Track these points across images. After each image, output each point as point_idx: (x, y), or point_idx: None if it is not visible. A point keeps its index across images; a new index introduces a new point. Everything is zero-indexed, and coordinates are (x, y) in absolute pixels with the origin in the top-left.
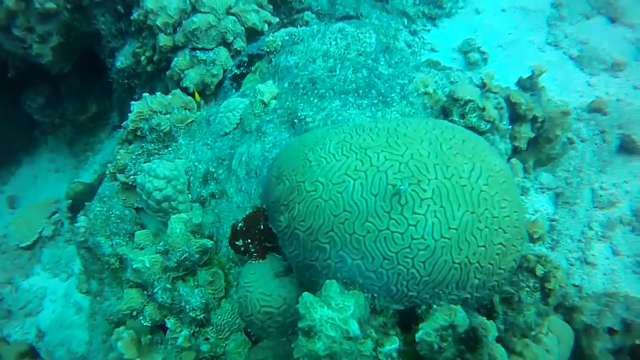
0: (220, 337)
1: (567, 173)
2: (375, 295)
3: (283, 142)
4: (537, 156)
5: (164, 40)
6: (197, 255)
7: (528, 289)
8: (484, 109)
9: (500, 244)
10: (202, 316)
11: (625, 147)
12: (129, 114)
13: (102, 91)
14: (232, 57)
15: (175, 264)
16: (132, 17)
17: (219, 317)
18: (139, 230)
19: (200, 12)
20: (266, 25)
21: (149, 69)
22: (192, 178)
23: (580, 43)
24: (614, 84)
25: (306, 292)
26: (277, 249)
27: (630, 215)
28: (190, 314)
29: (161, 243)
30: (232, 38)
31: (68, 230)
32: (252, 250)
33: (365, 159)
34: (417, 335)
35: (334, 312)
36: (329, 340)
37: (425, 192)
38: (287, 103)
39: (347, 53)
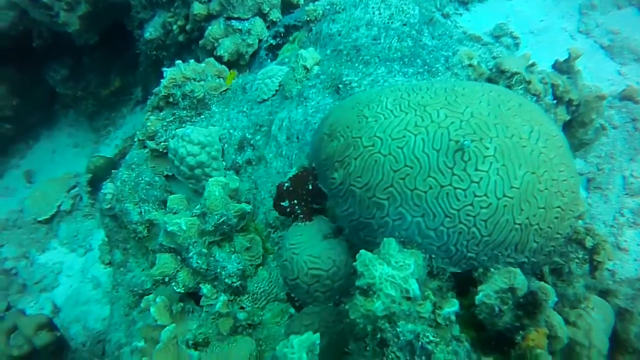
0: (257, 306)
1: (598, 159)
2: (433, 256)
3: (327, 106)
4: (570, 140)
5: (198, 8)
6: (235, 220)
7: (577, 261)
8: (530, 82)
9: (559, 207)
10: (238, 283)
11: None
12: (162, 80)
13: (126, 66)
14: (268, 27)
15: (213, 228)
16: None
17: (256, 285)
18: (166, 198)
19: None
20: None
21: (180, 38)
22: (226, 145)
23: (611, 33)
24: None
25: (364, 250)
26: (324, 211)
27: None
28: (226, 280)
29: (197, 206)
30: (268, 9)
31: (87, 205)
32: (299, 211)
33: (425, 115)
34: (477, 298)
35: (393, 270)
36: (388, 300)
37: (488, 150)
38: (331, 69)
39: (392, 22)
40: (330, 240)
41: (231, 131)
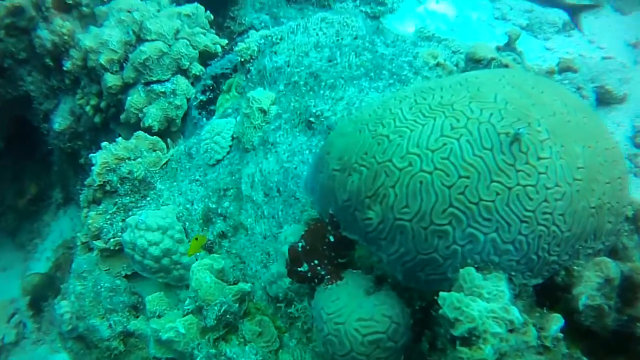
0: None
1: None
2: (513, 273)
3: (302, 146)
4: None
5: (111, 79)
6: (237, 305)
7: (626, 233)
8: (507, 65)
9: (620, 177)
10: None
11: (602, 99)
12: (92, 168)
13: (38, 167)
14: (192, 84)
15: (215, 322)
16: (64, 68)
17: None
18: (135, 302)
19: (147, 40)
20: (219, 47)
21: (96, 120)
22: (187, 224)
23: (526, 12)
24: (570, 43)
25: (443, 292)
26: (351, 264)
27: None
28: None
29: (187, 301)
30: (188, 63)
31: (33, 331)
32: (322, 272)
33: (458, 115)
34: (580, 303)
35: (490, 302)
36: (497, 340)
37: (541, 134)
38: (292, 104)
39: (342, 39)
40: (377, 295)
41: (188, 206)
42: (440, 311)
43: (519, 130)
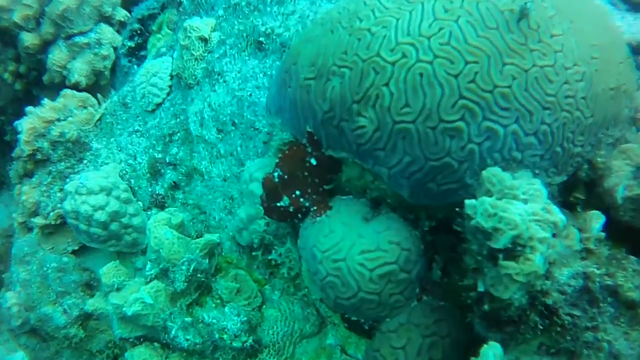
0: (285, 357)
1: None
2: (537, 171)
3: (254, 70)
4: None
5: (28, 38)
6: (206, 261)
7: None
8: None
9: (628, 58)
10: (250, 341)
11: None
12: (19, 136)
13: None
14: (118, 32)
15: (185, 284)
16: None
17: (271, 331)
18: (88, 279)
19: None
20: None
21: (17, 87)
22: (133, 181)
23: None
24: None
25: (470, 200)
26: (339, 190)
27: None
28: (234, 344)
29: (148, 266)
30: (110, 9)
31: None
32: (307, 203)
33: None
34: (617, 197)
35: (528, 204)
36: (545, 246)
37: (547, 9)
38: (236, 27)
39: None
40: (377, 220)
41: (130, 162)
42: (472, 222)
43: (526, 4)
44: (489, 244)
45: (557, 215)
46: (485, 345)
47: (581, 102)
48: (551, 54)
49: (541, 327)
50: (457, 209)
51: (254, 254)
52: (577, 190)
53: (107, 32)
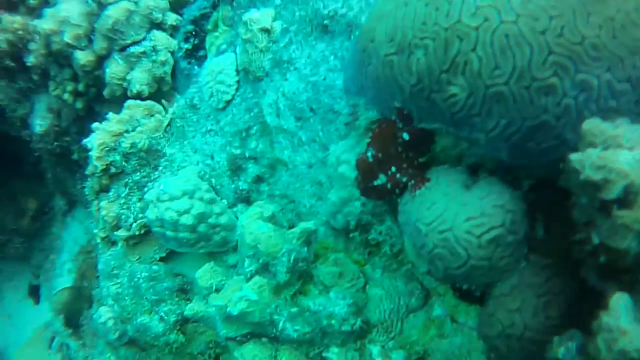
0: (393, 335)
1: None
2: (633, 117)
3: (324, 54)
4: None
5: (82, 56)
6: (305, 249)
7: None
8: None
9: None
10: (359, 323)
11: None
12: (89, 154)
13: (30, 180)
14: (172, 36)
15: (288, 275)
16: (28, 64)
17: (378, 310)
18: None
19: (109, 3)
20: None
21: (78, 105)
22: (214, 180)
23: None
24: None
25: (575, 154)
26: (434, 162)
27: None
28: (344, 328)
29: (246, 262)
30: (161, 15)
31: (77, 350)
32: (405, 179)
33: None
34: None
35: (634, 150)
36: None
37: None
38: (297, 14)
39: None
40: (478, 186)
41: (208, 162)
42: (582, 176)
43: None
44: (600, 195)
45: None
46: (613, 297)
47: None
48: None
49: None
50: (561, 165)
51: (351, 235)
52: None
53: (161, 38)
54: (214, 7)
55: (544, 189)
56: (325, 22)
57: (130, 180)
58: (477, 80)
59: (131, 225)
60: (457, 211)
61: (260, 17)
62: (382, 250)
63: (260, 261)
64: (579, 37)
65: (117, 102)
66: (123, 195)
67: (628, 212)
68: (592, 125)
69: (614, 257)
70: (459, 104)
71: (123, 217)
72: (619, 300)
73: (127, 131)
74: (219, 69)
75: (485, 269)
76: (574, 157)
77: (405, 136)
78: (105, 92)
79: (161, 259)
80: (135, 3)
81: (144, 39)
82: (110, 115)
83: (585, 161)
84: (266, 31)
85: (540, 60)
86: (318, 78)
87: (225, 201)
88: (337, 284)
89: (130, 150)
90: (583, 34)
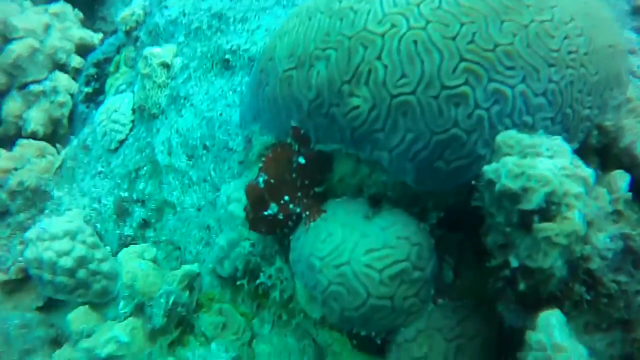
0: None
1: None
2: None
3: (222, 89)
4: None
5: None
6: (186, 294)
7: None
8: None
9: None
10: None
11: None
12: None
13: None
14: (74, 79)
15: (165, 319)
16: None
17: None
18: (54, 335)
19: (15, 38)
20: (96, 39)
21: None
22: (98, 225)
23: None
24: None
25: (489, 166)
26: (330, 193)
27: None
28: None
29: (121, 304)
30: (65, 56)
31: None
32: (298, 209)
33: None
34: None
35: (555, 159)
36: (582, 203)
37: None
38: (199, 50)
39: None
40: (380, 217)
41: (95, 206)
42: (498, 187)
43: None
44: (519, 207)
45: (586, 170)
46: (542, 314)
47: (584, 58)
48: (547, 9)
49: (587, 299)
50: (473, 182)
51: (238, 283)
52: (589, 158)
53: (62, 79)
54: (119, 50)
55: (453, 227)
56: (227, 56)
57: (13, 221)
58: (381, 90)
59: (9, 268)
60: (356, 242)
61: (161, 52)
62: (271, 297)
63: (136, 301)
64: (492, 43)
65: (11, 142)
66: (4, 236)
67: (550, 224)
68: (507, 136)
69: (535, 282)
70: (360, 117)
71: (2, 259)
72: (551, 317)
73: (15, 169)
74: (114, 108)
75: (388, 310)
76: (488, 167)
77: (301, 160)
78: (0, 130)
79: (38, 309)
80: (41, 41)
81: (45, 78)
82: (1, 151)
83: (501, 170)
84: (166, 66)
85: (450, 67)
86: (214, 114)
87: (108, 247)
88: (220, 336)
89: (17, 189)
90: (496, 41)
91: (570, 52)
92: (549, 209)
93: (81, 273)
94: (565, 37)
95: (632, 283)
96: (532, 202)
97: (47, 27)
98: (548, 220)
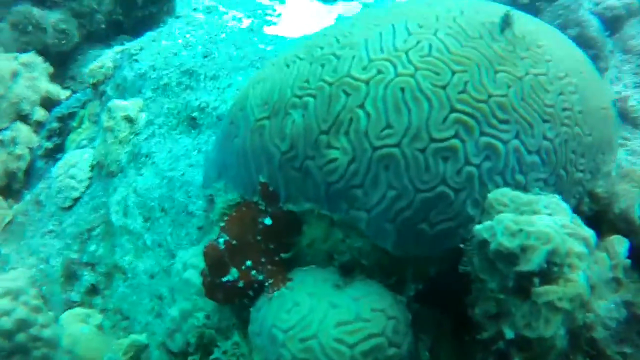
0: None
1: None
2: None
3: (186, 148)
4: None
5: None
6: None
7: None
8: None
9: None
10: None
11: None
12: None
13: None
14: (36, 132)
15: None
16: None
17: None
18: None
19: None
20: (62, 95)
21: None
22: (44, 288)
23: None
24: None
25: (480, 225)
26: (297, 261)
27: None
28: None
29: None
30: (28, 108)
31: None
32: (261, 277)
33: (422, 15)
34: (636, 216)
35: (554, 216)
36: (585, 263)
37: (527, 23)
38: (165, 107)
39: (216, 35)
40: (353, 286)
41: (42, 267)
42: (492, 246)
43: (509, 11)
44: (517, 269)
45: (586, 230)
46: None
47: (579, 116)
48: (542, 62)
49: None
50: (461, 245)
51: (190, 359)
52: None
53: (23, 131)
54: (84, 105)
55: (430, 298)
56: (194, 114)
57: None
58: (362, 141)
59: None
60: (326, 313)
61: (127, 105)
62: None
63: None
64: (485, 94)
65: None
66: None
67: (553, 287)
68: (500, 194)
69: (533, 354)
70: (338, 171)
71: None
72: None
73: None
74: (72, 162)
75: None
76: (481, 227)
77: (268, 221)
78: None
79: None
80: (8, 88)
81: (6, 127)
82: None
83: (496, 227)
84: (130, 121)
85: (440, 118)
86: (175, 173)
87: (52, 313)
88: None
89: None
90: (489, 92)
91: (564, 109)
92: (550, 271)
93: (20, 337)
94: (560, 93)
95: (638, 355)
96: (532, 262)
97: (15, 75)
98: (549, 283)
